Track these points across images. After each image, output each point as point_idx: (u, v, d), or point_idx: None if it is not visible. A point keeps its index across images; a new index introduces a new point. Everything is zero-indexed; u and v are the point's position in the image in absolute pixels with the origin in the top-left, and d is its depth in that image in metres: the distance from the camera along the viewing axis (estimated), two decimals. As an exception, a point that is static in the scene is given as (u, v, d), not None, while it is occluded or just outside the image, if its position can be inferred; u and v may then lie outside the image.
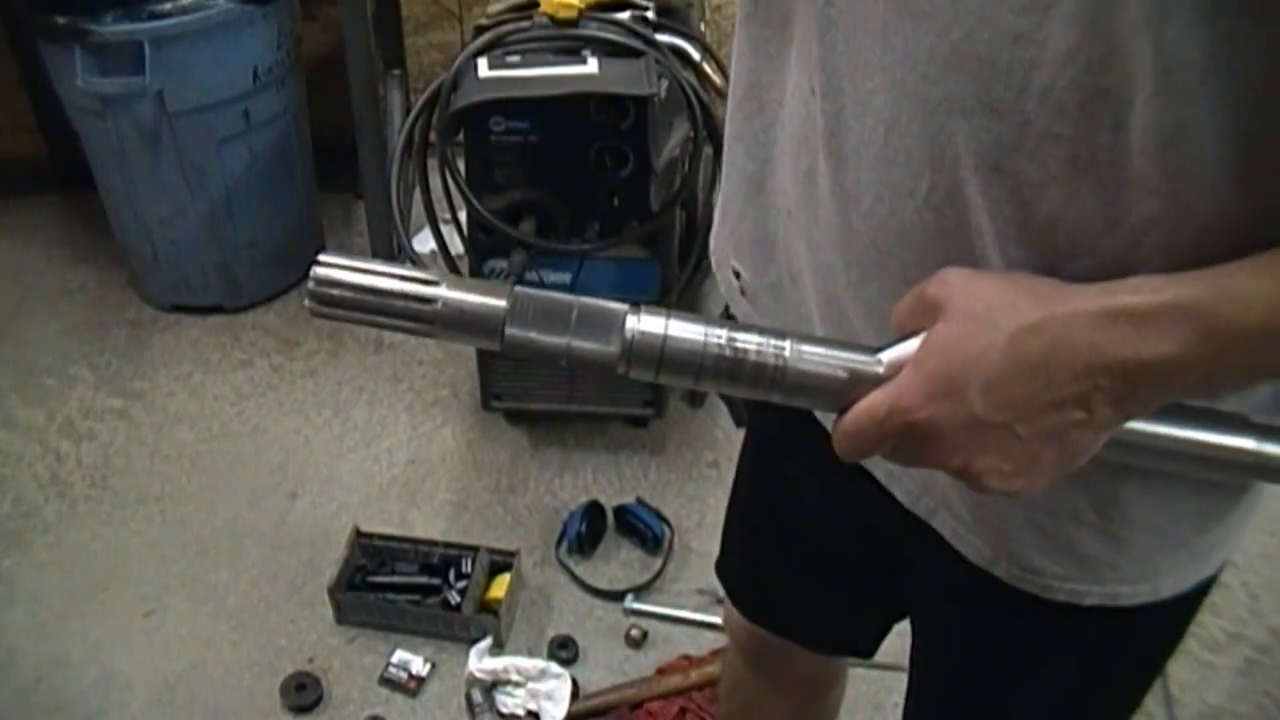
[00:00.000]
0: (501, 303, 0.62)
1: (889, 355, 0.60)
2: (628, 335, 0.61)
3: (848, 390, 0.60)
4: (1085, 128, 0.55)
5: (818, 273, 0.74)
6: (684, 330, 0.61)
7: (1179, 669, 1.78)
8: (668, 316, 0.62)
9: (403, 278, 0.63)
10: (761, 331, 0.62)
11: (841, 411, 0.60)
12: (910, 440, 0.58)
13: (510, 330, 0.62)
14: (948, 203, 0.62)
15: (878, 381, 0.59)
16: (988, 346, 0.55)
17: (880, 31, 0.61)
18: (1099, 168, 0.56)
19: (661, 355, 0.61)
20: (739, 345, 0.61)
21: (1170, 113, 0.53)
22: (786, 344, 0.61)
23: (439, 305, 0.62)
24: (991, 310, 0.56)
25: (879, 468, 0.80)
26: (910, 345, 0.59)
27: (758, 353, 0.61)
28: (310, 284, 0.63)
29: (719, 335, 0.61)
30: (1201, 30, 0.50)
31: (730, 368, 0.61)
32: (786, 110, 0.73)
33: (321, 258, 0.64)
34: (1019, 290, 0.57)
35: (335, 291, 0.63)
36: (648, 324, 0.61)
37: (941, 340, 0.57)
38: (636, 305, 0.62)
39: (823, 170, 0.69)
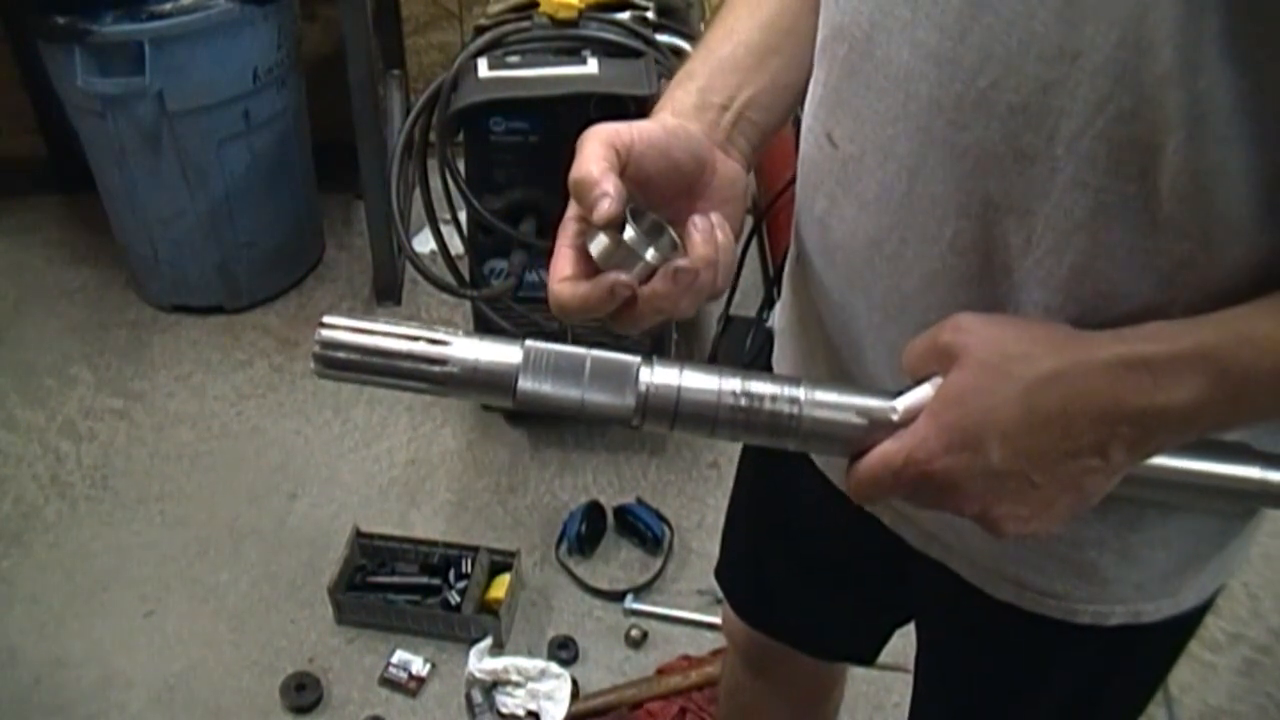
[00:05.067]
0: (514, 359, 0.61)
1: (904, 402, 0.59)
2: (641, 388, 0.61)
3: (863, 438, 0.60)
4: (1114, 176, 0.55)
5: (833, 316, 0.74)
6: (698, 381, 0.61)
7: (1179, 669, 1.75)
8: (681, 367, 0.61)
9: (411, 337, 0.62)
10: (775, 379, 0.61)
11: (856, 456, 0.60)
12: (926, 489, 0.58)
13: (523, 385, 0.61)
14: (974, 248, 0.61)
15: (893, 429, 0.59)
16: (1005, 399, 0.55)
17: (902, 77, 0.60)
18: (1128, 214, 0.56)
19: (676, 408, 0.61)
20: (753, 394, 0.61)
21: (1202, 157, 0.52)
22: (800, 391, 0.61)
23: (450, 365, 0.61)
24: (1007, 359, 0.55)
25: (885, 513, 0.81)
26: (924, 392, 0.58)
27: (773, 400, 0.60)
28: (315, 347, 0.62)
29: (733, 384, 0.61)
30: (1234, 77, 0.50)
31: (745, 418, 0.61)
32: (798, 155, 0.73)
33: (326, 319, 0.62)
34: (1034, 338, 0.56)
35: (341, 354, 0.62)
36: (661, 376, 0.61)
37: (957, 390, 0.56)
38: (649, 356, 0.62)
39: (842, 214, 0.68)
